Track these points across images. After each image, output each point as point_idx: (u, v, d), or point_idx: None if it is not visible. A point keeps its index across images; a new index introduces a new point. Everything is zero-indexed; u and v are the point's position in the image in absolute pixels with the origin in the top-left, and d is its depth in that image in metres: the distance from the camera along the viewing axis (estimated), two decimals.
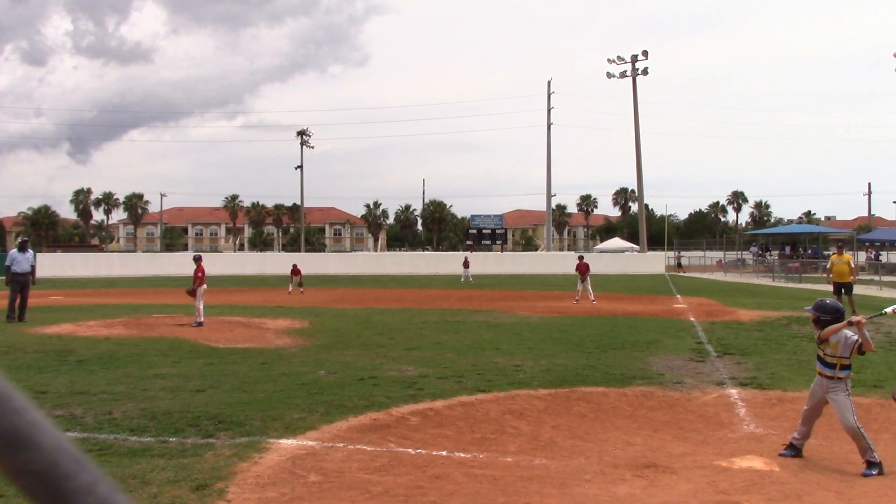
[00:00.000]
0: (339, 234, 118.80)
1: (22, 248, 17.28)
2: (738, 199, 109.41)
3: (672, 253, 58.35)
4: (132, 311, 19.20)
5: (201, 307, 15.71)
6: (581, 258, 24.94)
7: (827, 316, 6.06)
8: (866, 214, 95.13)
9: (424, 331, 14.89)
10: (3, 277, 17.36)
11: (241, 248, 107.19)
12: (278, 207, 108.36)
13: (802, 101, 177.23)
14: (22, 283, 16.75)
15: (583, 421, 7.37)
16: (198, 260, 16.48)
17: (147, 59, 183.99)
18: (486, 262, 49.56)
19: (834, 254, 21.09)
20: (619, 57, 60.17)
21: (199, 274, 15.84)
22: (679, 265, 53.89)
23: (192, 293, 15.77)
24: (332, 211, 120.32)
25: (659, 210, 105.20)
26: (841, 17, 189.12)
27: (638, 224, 61.85)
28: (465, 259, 41.42)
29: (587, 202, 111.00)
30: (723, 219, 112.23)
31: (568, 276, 42.45)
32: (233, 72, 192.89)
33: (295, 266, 29.46)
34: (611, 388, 8.84)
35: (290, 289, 28.28)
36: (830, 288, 19.40)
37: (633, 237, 72.44)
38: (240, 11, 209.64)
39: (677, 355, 11.53)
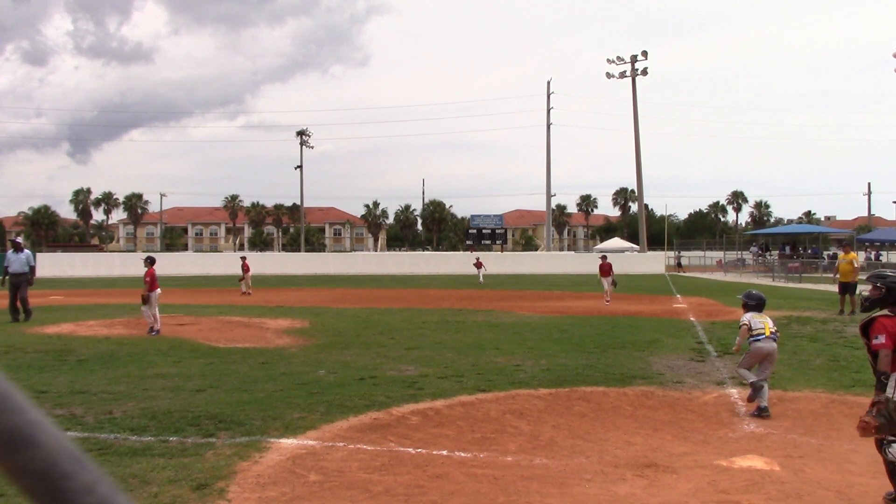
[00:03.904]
0: (339, 234, 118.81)
1: (15, 248, 17.31)
2: (738, 199, 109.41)
3: (672, 253, 58.35)
4: (132, 311, 19.18)
5: (157, 313, 14.20)
6: (604, 258, 24.68)
7: (752, 301, 7.81)
8: (866, 214, 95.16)
9: (424, 330, 14.89)
10: (3, 278, 17.38)
11: (241, 248, 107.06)
12: (278, 207, 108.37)
13: (802, 101, 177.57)
14: (16, 284, 16.78)
15: (583, 420, 7.36)
16: (150, 262, 14.55)
17: (148, 59, 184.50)
18: (486, 262, 49.45)
19: (841, 253, 21.05)
20: (618, 57, 60.18)
21: (148, 279, 14.10)
22: (679, 265, 53.86)
23: (146, 299, 14.04)
24: (332, 211, 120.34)
25: (659, 210, 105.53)
26: (841, 17, 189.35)
27: (638, 224, 61.84)
28: (477, 259, 41.26)
29: (587, 202, 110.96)
30: (723, 219, 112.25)
31: (568, 276, 42.46)
32: (234, 72, 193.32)
33: (244, 261, 27.69)
34: (611, 388, 8.83)
35: (244, 288, 27.24)
36: (834, 287, 19.33)
37: (633, 237, 72.43)
38: (241, 11, 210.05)
39: (677, 355, 11.53)
